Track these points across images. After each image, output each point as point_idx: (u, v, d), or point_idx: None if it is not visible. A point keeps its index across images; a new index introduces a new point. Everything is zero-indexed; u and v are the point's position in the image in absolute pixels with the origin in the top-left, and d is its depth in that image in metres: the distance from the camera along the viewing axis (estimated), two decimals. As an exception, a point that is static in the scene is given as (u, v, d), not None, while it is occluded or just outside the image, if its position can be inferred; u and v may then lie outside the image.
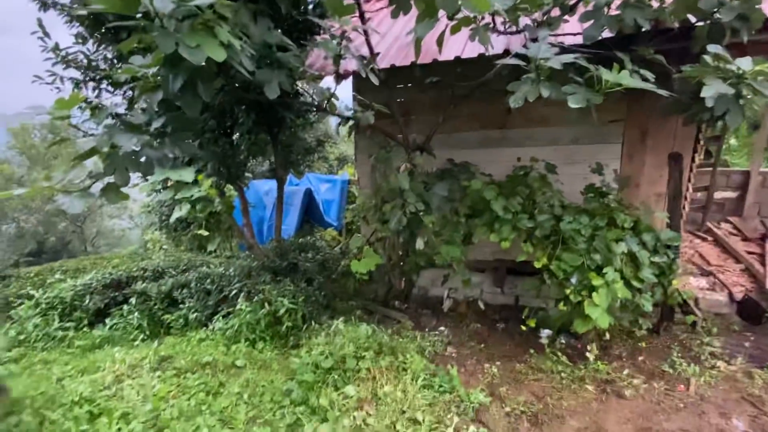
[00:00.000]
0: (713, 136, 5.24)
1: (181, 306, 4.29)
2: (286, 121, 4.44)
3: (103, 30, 3.35)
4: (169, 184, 4.37)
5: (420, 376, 2.94)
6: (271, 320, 3.84)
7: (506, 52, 3.02)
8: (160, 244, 9.62)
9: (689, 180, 4.09)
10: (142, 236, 11.45)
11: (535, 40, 2.50)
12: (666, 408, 2.83)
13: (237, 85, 3.02)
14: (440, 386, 2.88)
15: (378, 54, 3.93)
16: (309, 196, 7.80)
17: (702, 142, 4.10)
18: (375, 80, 2.76)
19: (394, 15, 2.67)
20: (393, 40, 4.25)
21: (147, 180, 3.55)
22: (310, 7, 3.67)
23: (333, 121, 3.97)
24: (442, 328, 4.21)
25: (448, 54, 3.42)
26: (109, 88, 3.73)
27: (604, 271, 3.13)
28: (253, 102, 3.51)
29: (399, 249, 4.28)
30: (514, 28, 2.64)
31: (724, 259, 5.16)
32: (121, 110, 2.85)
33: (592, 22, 2.32)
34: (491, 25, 2.31)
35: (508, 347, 3.84)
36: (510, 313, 4.48)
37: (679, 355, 3.42)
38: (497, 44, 3.21)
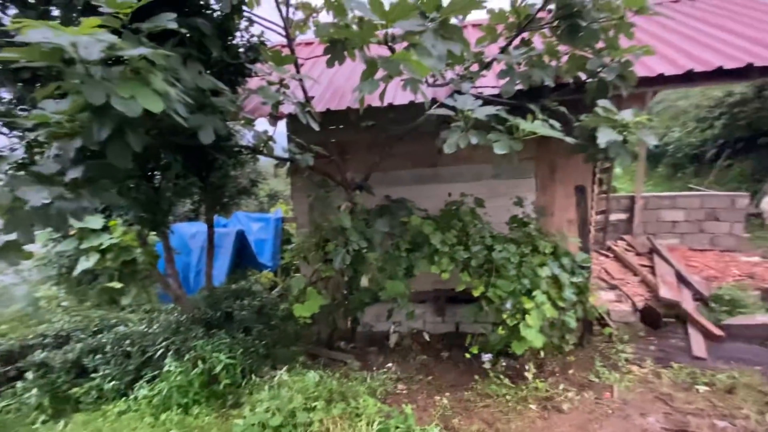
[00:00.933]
0: (604, 168, 6.16)
1: (93, 375, 3.70)
2: (216, 163, 4.26)
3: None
4: (72, 232, 3.87)
5: (375, 420, 2.86)
6: (207, 379, 3.48)
7: (434, 101, 3.30)
8: (57, 302, 8.26)
9: (592, 207, 4.73)
10: (31, 293, 9.74)
11: (459, 91, 2.80)
12: (598, 416, 3.10)
13: (164, 129, 2.86)
14: (396, 428, 2.84)
15: (313, 98, 4.03)
16: (241, 237, 7.41)
17: (598, 174, 4.82)
18: (315, 125, 2.82)
19: (329, 64, 2.80)
20: (327, 84, 4.39)
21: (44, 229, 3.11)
22: (241, 50, 3.66)
23: (264, 158, 3.91)
24: (390, 365, 4.18)
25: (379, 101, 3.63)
26: (3, 129, 3.26)
27: (534, 294, 3.44)
28: (181, 145, 3.34)
29: (343, 288, 4.23)
30: (440, 81, 2.93)
31: (624, 273, 5.95)
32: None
33: (507, 78, 2.68)
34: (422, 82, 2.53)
35: (455, 375, 3.94)
36: (452, 340, 4.62)
37: (601, 364, 3.81)
38: (426, 93, 3.51)
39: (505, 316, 3.44)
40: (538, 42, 3.06)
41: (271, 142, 3.33)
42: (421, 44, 1.72)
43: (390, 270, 3.86)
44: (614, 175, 7.79)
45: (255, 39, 3.87)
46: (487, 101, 2.74)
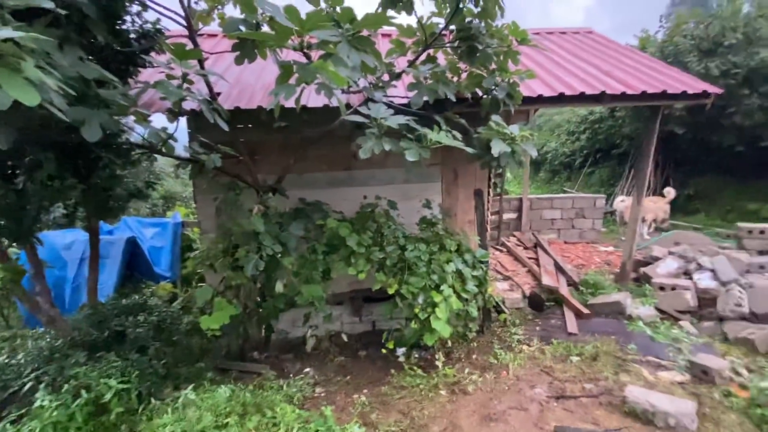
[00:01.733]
0: (498, 173, 6.94)
1: (-74, 426, 2.94)
2: (101, 162, 3.72)
3: None
4: None
5: (293, 427, 2.82)
6: (93, 410, 3.03)
7: (348, 106, 3.39)
8: None
9: (488, 208, 5.30)
10: None
11: (372, 99, 2.92)
12: (497, 393, 3.50)
13: (34, 121, 2.43)
14: (316, 431, 2.83)
15: (219, 94, 3.79)
16: (132, 245, 6.56)
17: (493, 179, 5.42)
18: (224, 125, 2.67)
19: (238, 62, 2.69)
20: (234, 81, 4.17)
21: None
22: (133, 37, 3.28)
23: (161, 157, 3.54)
24: (307, 370, 4.14)
25: (292, 102, 3.58)
26: None
27: (442, 288, 3.74)
28: (56, 141, 2.85)
29: (256, 295, 4.05)
30: (354, 88, 3.02)
31: (515, 265, 6.78)
32: None
33: (416, 91, 2.88)
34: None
35: (372, 372, 4.07)
36: (370, 338, 4.76)
37: (499, 347, 4.30)
38: (340, 97, 3.57)
39: (417, 310, 3.67)
40: (441, 59, 3.35)
41: (171, 141, 3.04)
42: (336, 54, 1.78)
43: (306, 274, 3.82)
44: (506, 179, 8.82)
45: (149, 26, 3.49)
46: (397, 110, 2.91)
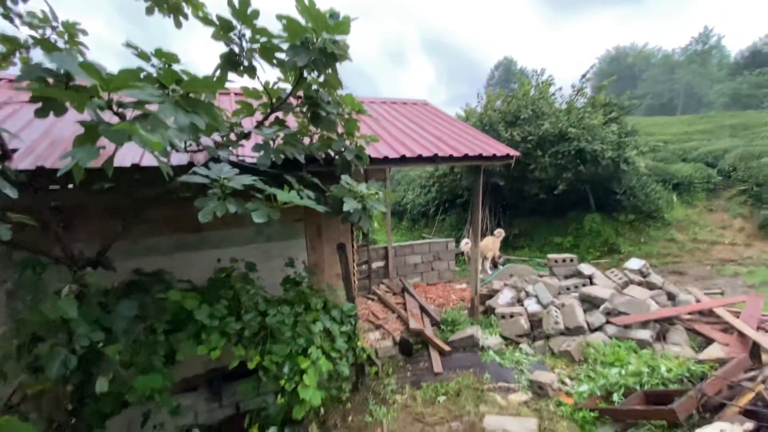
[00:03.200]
0: (360, 226, 7.26)
1: None
2: None
3: None
4: None
5: None
6: None
7: (190, 165, 3.13)
8: None
9: (354, 260, 5.42)
10: None
11: (215, 159, 2.77)
12: (372, 455, 3.37)
13: None
14: None
15: (15, 151, 3.07)
16: None
17: (356, 231, 5.62)
18: (11, 192, 2.11)
19: (39, 115, 2.24)
20: (43, 133, 3.46)
21: None
22: None
23: None
24: (147, 486, 3.29)
25: (123, 161, 3.14)
26: None
27: (309, 351, 3.54)
28: None
29: (67, 401, 3.13)
30: (194, 146, 2.82)
31: (386, 312, 6.99)
32: None
33: (262, 152, 2.85)
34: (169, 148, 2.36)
35: (235, 468, 3.48)
36: (234, 425, 4.12)
37: (374, 402, 4.23)
38: (181, 156, 3.28)
39: (283, 381, 3.37)
40: (291, 121, 3.45)
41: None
42: (155, 115, 1.62)
43: (142, 362, 3.15)
44: (373, 229, 9.30)
45: None
46: (246, 169, 2.81)
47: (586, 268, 7.05)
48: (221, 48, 2.68)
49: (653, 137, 18.23)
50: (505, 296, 6.37)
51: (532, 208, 13.38)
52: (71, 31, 3.51)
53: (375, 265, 8.55)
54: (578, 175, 11.39)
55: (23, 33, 3.34)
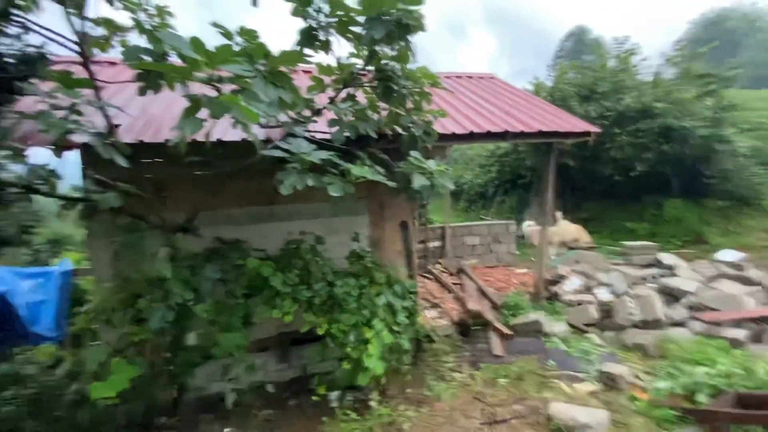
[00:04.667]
0: (422, 204, 7.23)
1: None
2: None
3: None
4: None
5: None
6: None
7: (268, 140, 3.27)
8: None
9: (414, 238, 5.43)
10: None
11: (292, 134, 2.86)
12: (433, 427, 3.45)
13: None
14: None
15: (119, 126, 3.42)
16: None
17: (417, 210, 5.61)
18: (121, 161, 2.37)
19: (141, 93, 2.46)
20: (140, 112, 3.81)
21: None
22: (10, 62, 2.84)
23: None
24: (227, 430, 3.68)
25: (211, 135, 3.36)
26: None
27: (373, 323, 3.65)
28: None
29: (164, 350, 3.55)
30: (273, 122, 2.94)
31: (443, 291, 6.98)
32: None
33: (337, 127, 2.90)
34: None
35: (303, 423, 3.76)
36: (300, 385, 4.43)
37: (432, 377, 4.29)
38: (258, 131, 3.45)
39: (348, 349, 3.52)
40: (361, 97, 3.45)
41: (54, 178, 2.62)
42: (250, 89, 1.71)
43: (224, 321, 3.47)
44: (429, 209, 9.24)
45: (32, 50, 3.07)
46: (319, 145, 2.89)
47: (666, 258, 6.42)
48: (277, 28, 2.72)
49: (756, 113, 15.74)
50: (573, 283, 6.03)
51: (604, 191, 12.35)
52: (162, 14, 3.77)
53: (431, 244, 8.51)
54: (661, 156, 10.24)
55: (121, 17, 3.63)
